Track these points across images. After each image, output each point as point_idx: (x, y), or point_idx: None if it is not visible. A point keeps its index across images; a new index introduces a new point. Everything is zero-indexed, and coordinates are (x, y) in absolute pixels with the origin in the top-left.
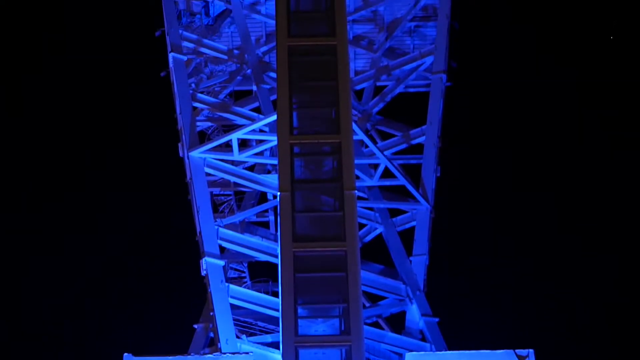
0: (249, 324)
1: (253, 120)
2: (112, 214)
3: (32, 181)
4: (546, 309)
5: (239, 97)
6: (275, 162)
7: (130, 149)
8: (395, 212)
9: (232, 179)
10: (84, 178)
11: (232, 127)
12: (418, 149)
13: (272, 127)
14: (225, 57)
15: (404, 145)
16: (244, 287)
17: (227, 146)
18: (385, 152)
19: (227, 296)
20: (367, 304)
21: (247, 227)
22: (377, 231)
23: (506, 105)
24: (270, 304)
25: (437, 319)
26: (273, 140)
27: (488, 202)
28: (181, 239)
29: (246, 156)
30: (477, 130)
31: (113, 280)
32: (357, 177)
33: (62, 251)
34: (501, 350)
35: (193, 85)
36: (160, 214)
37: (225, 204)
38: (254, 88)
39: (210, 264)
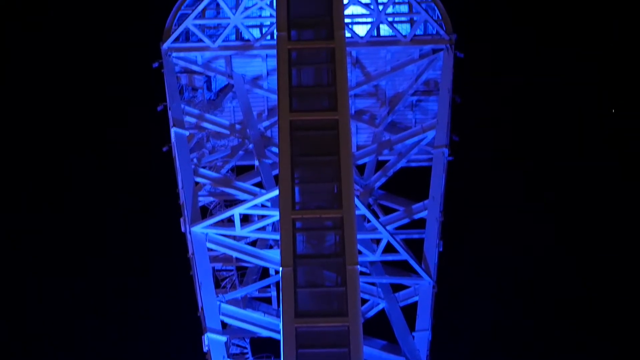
0: None
1: (255, 195)
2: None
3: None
4: None
5: (241, 172)
6: (277, 237)
7: (131, 223)
8: (397, 287)
9: (234, 254)
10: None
11: (234, 202)
12: (420, 223)
13: (274, 202)
14: (227, 131)
15: (406, 220)
16: None
17: (229, 221)
18: (388, 227)
19: None
20: None
21: (249, 302)
22: (380, 306)
23: (507, 178)
24: None
25: None
26: (275, 215)
27: (490, 278)
28: (182, 314)
29: (248, 231)
30: (479, 203)
31: None
32: (360, 252)
33: None
34: None
35: (195, 160)
36: (162, 286)
37: (227, 279)
38: (256, 163)
39: (213, 340)
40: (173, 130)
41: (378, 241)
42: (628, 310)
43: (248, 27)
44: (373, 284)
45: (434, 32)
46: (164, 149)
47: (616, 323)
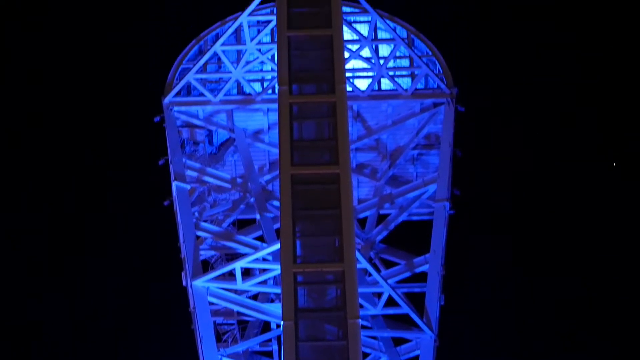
0: None
1: (256, 249)
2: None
3: None
4: None
5: (242, 225)
6: (278, 290)
7: (131, 276)
8: (399, 341)
9: (236, 308)
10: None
11: (235, 256)
12: (422, 277)
13: (276, 256)
14: (229, 185)
15: (407, 274)
16: None
17: (231, 275)
18: (389, 281)
19: None
20: None
21: (250, 356)
22: None
23: (509, 234)
24: None
25: None
26: (276, 269)
27: (492, 331)
28: None
29: (249, 285)
30: (480, 257)
31: None
32: (361, 306)
33: None
34: None
35: (196, 214)
36: (163, 342)
37: (229, 333)
38: (257, 217)
39: None
40: (174, 184)
41: (379, 295)
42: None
43: (249, 81)
44: (374, 337)
45: (435, 86)
46: (165, 203)
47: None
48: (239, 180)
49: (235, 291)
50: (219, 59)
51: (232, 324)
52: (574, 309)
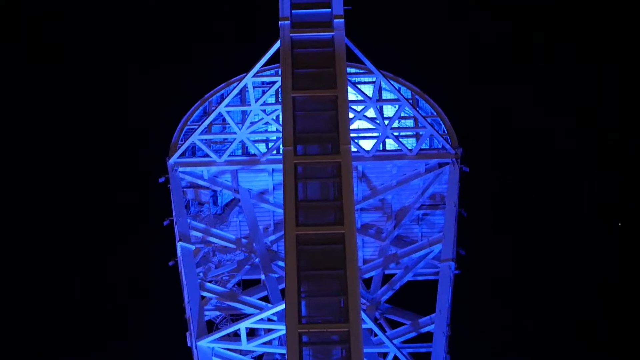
0: None
1: (261, 309)
2: None
3: None
4: None
5: (247, 286)
6: (283, 351)
7: (136, 337)
8: None
9: None
10: None
11: (240, 316)
12: (427, 337)
13: (281, 316)
14: (234, 246)
15: (413, 334)
16: None
17: (236, 335)
18: (395, 341)
19: None
20: None
21: None
22: None
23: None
24: None
25: None
26: (281, 329)
27: None
28: None
29: (254, 345)
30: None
31: None
32: None
33: None
34: None
35: (201, 274)
36: None
37: None
38: (262, 277)
39: None
40: (179, 244)
41: (385, 355)
42: None
43: (254, 141)
44: None
45: (440, 146)
46: (170, 263)
47: None
48: (243, 240)
49: (240, 351)
50: (224, 119)
51: None
52: None
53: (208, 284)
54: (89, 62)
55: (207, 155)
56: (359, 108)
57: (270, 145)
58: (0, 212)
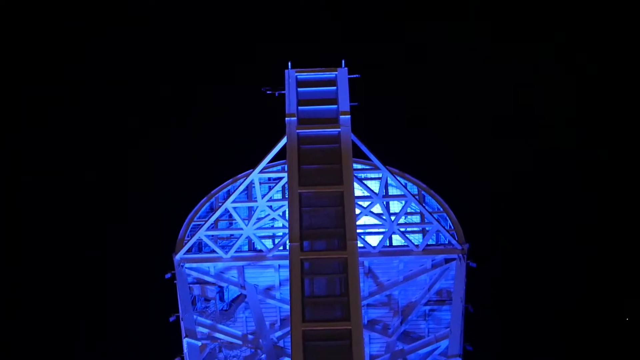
0: None
1: None
2: None
3: None
4: None
5: None
6: None
7: None
8: None
9: None
10: None
11: None
12: None
13: None
14: (240, 342)
15: None
16: None
17: None
18: None
19: None
20: None
21: None
22: None
23: None
24: None
25: None
26: None
27: None
28: None
29: None
30: None
31: None
32: None
33: None
34: None
35: None
36: None
37: None
38: None
39: None
40: (185, 341)
41: None
42: None
43: (260, 237)
44: None
45: (446, 241)
46: (177, 359)
47: None
48: (250, 336)
49: None
50: (230, 215)
51: None
52: None
53: None
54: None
55: (213, 251)
56: (365, 204)
57: (276, 241)
58: None
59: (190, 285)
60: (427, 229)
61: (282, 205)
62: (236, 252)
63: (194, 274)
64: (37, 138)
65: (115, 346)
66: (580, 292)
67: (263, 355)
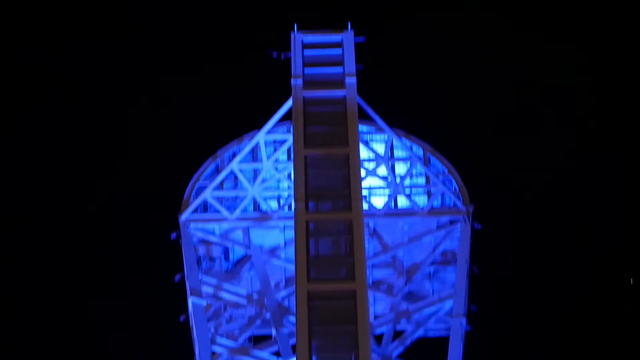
0: None
1: None
2: None
3: None
4: None
5: (258, 341)
6: None
7: None
8: None
9: None
10: None
11: None
12: None
13: None
14: (245, 301)
15: None
16: None
17: None
18: None
19: None
20: None
21: None
22: None
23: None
24: None
25: None
26: None
27: None
28: None
29: None
30: None
31: None
32: None
33: None
34: None
35: (212, 329)
36: None
37: None
38: (274, 332)
39: None
40: (190, 299)
41: None
42: None
43: (266, 198)
44: None
45: (451, 203)
46: (182, 318)
47: None
48: (255, 296)
49: None
50: (236, 176)
51: None
52: None
53: (219, 339)
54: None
55: (218, 212)
56: (370, 166)
57: (282, 202)
58: None
59: (196, 245)
60: (432, 190)
61: (288, 167)
62: (241, 212)
63: (199, 234)
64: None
65: (121, 305)
66: (585, 255)
67: (268, 315)
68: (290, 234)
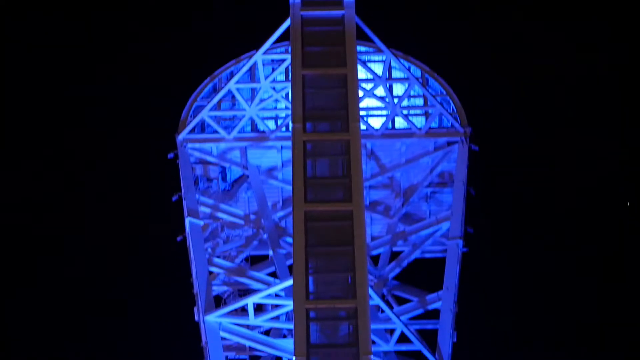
0: None
1: (269, 284)
2: None
3: None
4: None
5: (255, 261)
6: (291, 326)
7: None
8: None
9: (248, 343)
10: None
11: (248, 292)
12: (434, 314)
13: (288, 292)
14: (242, 222)
15: (420, 311)
16: None
17: (243, 310)
18: (402, 317)
19: None
20: None
21: None
22: None
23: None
24: None
25: None
26: (289, 305)
27: None
28: None
29: (262, 320)
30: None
31: None
32: (373, 342)
33: None
34: None
35: (209, 249)
36: None
37: None
38: (270, 253)
39: None
40: (187, 220)
41: (392, 331)
42: None
43: (263, 118)
44: None
45: (449, 124)
46: (178, 238)
47: None
48: (252, 216)
49: (248, 327)
50: (233, 96)
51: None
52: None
53: (216, 259)
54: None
55: (216, 132)
56: (368, 86)
57: (279, 122)
58: None
59: (193, 165)
60: (430, 111)
61: (285, 87)
62: (239, 133)
63: (197, 154)
64: None
65: (116, 224)
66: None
67: (265, 235)
68: (288, 154)
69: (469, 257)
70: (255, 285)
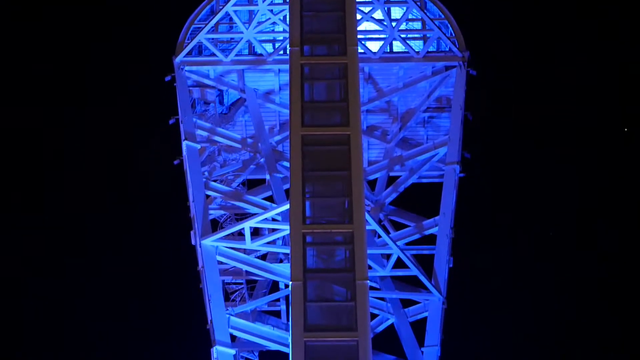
0: None
1: (266, 209)
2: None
3: None
4: None
5: (252, 185)
6: (287, 251)
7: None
8: (407, 303)
9: (244, 267)
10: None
11: (244, 216)
12: (431, 239)
13: (285, 216)
14: (239, 145)
15: (416, 236)
16: None
17: (240, 235)
18: (398, 243)
19: None
20: None
21: (258, 316)
22: (389, 321)
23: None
24: None
25: None
26: (285, 229)
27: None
28: (191, 326)
29: (258, 245)
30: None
31: None
32: (370, 267)
33: None
34: None
35: (206, 173)
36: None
37: (237, 292)
38: (267, 177)
39: (221, 353)
40: (184, 143)
41: (388, 256)
42: None
43: (261, 41)
44: (382, 299)
45: (447, 49)
46: (176, 162)
47: None
48: (249, 140)
49: (244, 251)
50: (231, 19)
51: (241, 284)
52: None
53: (213, 183)
54: None
55: (213, 55)
56: (366, 9)
57: (277, 45)
58: None
59: (190, 88)
60: (428, 35)
61: (283, 9)
62: (236, 55)
63: (194, 77)
64: None
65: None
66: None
67: (262, 159)
68: (285, 77)
69: (466, 183)
70: (252, 209)
